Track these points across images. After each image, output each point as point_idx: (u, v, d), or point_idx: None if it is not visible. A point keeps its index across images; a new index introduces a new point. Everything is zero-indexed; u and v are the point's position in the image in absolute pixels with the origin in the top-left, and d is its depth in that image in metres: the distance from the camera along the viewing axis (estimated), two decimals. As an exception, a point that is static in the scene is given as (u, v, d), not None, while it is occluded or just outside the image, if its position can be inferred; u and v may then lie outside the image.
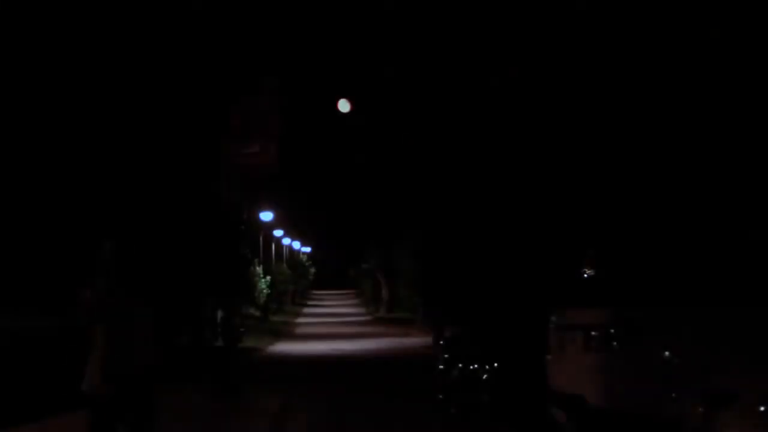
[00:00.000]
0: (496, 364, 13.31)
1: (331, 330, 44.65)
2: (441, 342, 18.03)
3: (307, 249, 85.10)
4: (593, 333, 9.34)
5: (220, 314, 32.00)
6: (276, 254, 63.56)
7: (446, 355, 15.31)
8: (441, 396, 15.19)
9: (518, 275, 19.02)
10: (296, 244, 79.40)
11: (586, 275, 14.91)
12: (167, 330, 19.09)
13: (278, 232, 62.51)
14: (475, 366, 13.79)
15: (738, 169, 19.45)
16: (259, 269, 44.82)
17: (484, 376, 13.42)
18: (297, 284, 73.03)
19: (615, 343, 9.10)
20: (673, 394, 8.54)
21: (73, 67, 21.38)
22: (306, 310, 68.16)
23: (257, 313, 47.02)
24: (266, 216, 49.06)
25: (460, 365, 14.35)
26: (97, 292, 7.89)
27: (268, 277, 46.83)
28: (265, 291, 45.59)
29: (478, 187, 27.73)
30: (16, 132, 21.05)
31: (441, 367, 15.41)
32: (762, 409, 6.46)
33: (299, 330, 46.21)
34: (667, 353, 8.95)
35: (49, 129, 21.46)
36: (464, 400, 14.06)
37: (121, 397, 7.77)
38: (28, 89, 21.03)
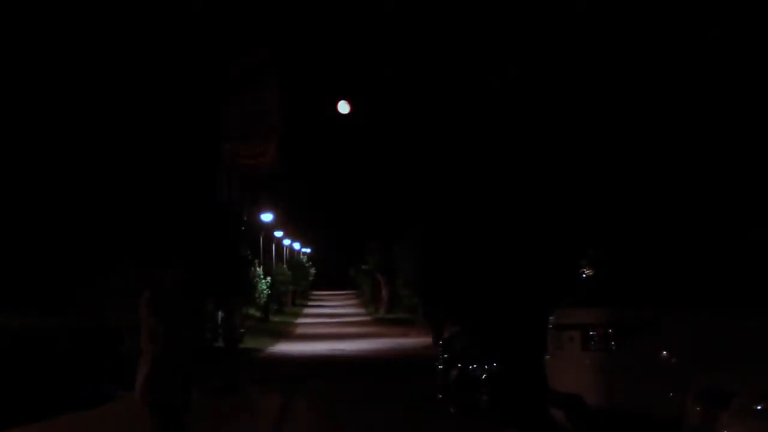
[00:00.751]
0: (495, 364, 13.30)
1: (330, 330, 44.66)
2: (440, 342, 18.02)
3: (307, 250, 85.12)
4: (592, 333, 9.33)
5: (220, 315, 32.03)
6: (276, 255, 63.56)
7: (445, 355, 15.29)
8: (440, 396, 15.18)
9: (518, 275, 19.00)
10: (296, 245, 79.40)
11: (585, 275, 14.92)
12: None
13: (278, 233, 62.52)
14: (475, 366, 13.77)
15: (738, 170, 19.45)
16: (260, 270, 44.80)
17: (483, 376, 13.41)
18: (297, 285, 73.04)
19: (613, 343, 9.10)
20: (671, 394, 8.54)
21: (74, 71, 21.40)
22: (306, 310, 68.17)
23: (257, 314, 47.02)
24: (267, 217, 49.08)
25: (460, 365, 14.33)
26: (158, 293, 7.92)
27: (269, 278, 46.82)
28: (265, 292, 45.59)
29: (477, 188, 27.73)
30: (20, 140, 21.07)
31: (440, 367, 15.39)
32: (760, 408, 6.45)
33: (299, 330, 46.23)
34: (666, 353, 8.95)
35: (51, 135, 21.47)
36: (463, 400, 14.04)
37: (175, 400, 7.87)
38: (35, 97, 21.06)
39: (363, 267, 63.80)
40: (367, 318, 57.17)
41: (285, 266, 66.86)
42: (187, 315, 8.08)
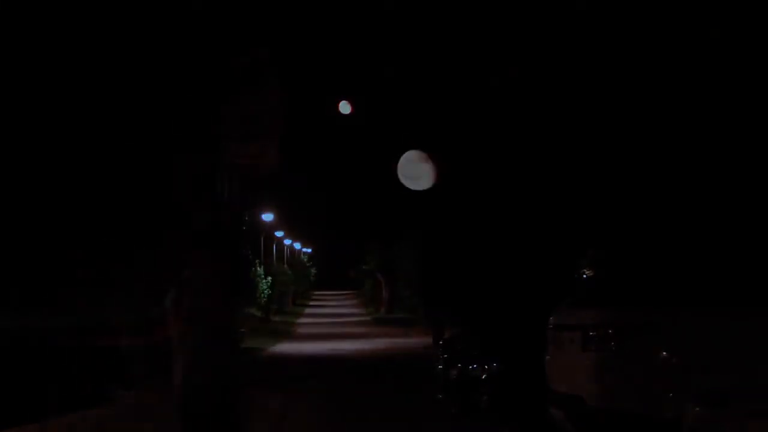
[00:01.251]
0: (495, 364, 13.31)
1: (331, 330, 44.66)
2: (441, 342, 18.03)
3: (308, 250, 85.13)
4: (592, 333, 9.33)
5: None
6: (277, 255, 63.57)
7: (446, 356, 15.31)
8: (441, 396, 15.19)
9: (518, 275, 19.01)
10: (297, 245, 79.41)
11: (585, 275, 14.90)
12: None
13: (279, 233, 62.55)
14: (475, 366, 13.79)
15: (738, 170, 19.44)
16: (260, 270, 44.82)
17: (483, 376, 13.42)
18: (298, 285, 73.04)
19: (613, 344, 9.11)
20: (671, 394, 8.53)
21: (72, 69, 21.37)
22: (307, 310, 68.16)
23: (259, 314, 47.05)
24: (267, 217, 49.10)
25: (460, 365, 14.34)
26: (184, 294, 7.67)
27: (269, 278, 46.84)
28: (266, 291, 45.61)
29: (477, 188, 27.72)
30: (22, 141, 21.06)
31: (441, 367, 15.40)
32: (760, 408, 6.45)
33: (300, 330, 46.23)
34: (665, 353, 8.95)
35: (52, 136, 21.45)
36: (464, 400, 14.06)
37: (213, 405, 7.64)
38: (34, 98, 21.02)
39: (363, 267, 63.81)
40: (368, 318, 57.16)
41: (286, 266, 66.87)
42: (217, 316, 7.75)
